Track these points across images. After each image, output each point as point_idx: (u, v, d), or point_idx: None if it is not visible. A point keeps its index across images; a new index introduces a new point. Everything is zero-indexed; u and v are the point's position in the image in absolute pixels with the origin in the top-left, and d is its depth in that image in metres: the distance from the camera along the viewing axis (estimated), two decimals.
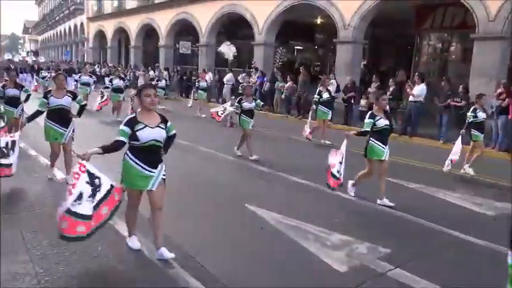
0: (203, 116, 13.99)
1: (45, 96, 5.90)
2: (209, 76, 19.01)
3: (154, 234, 3.90)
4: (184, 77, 21.74)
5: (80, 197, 3.51)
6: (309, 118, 10.54)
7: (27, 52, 63.59)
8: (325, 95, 10.43)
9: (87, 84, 15.81)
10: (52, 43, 56.19)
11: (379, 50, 21.18)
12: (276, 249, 4.30)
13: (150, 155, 3.76)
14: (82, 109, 6.30)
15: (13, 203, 5.19)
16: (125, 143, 3.73)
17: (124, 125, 3.71)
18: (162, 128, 3.80)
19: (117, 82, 13.27)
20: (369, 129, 5.67)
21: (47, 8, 56.75)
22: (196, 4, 22.73)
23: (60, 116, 5.89)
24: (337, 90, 13.35)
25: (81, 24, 40.36)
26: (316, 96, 10.55)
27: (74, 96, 6.11)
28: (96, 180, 3.63)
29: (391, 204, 5.67)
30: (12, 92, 8.00)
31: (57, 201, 5.26)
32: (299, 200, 6.02)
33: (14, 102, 8.05)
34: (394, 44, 20.23)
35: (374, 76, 12.78)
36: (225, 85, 18.33)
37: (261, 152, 8.36)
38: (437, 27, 15.63)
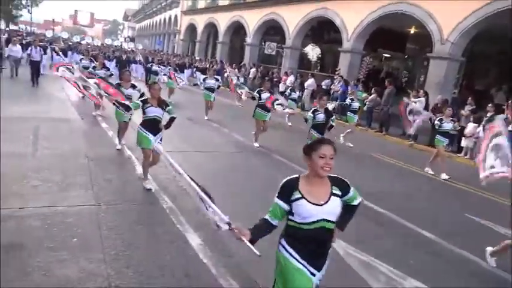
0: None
1: None
2: (290, 80, 18.91)
3: None
4: (266, 78, 21.62)
5: None
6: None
7: (125, 38, 68.36)
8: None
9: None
10: (147, 32, 59.81)
11: (477, 67, 19.53)
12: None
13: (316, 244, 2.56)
14: None
15: (98, 194, 5.50)
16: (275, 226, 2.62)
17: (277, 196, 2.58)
18: (337, 195, 2.57)
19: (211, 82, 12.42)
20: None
21: None
22: (287, 5, 22.69)
23: None
24: (425, 108, 12.54)
25: (175, 16, 42.44)
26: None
27: None
28: None
29: None
30: (126, 92, 7.25)
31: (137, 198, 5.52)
32: (373, 231, 5.66)
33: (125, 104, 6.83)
34: (495, 61, 18.49)
35: (470, 98, 11.73)
36: (306, 90, 18.10)
37: (338, 169, 8.03)
38: None
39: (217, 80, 12.79)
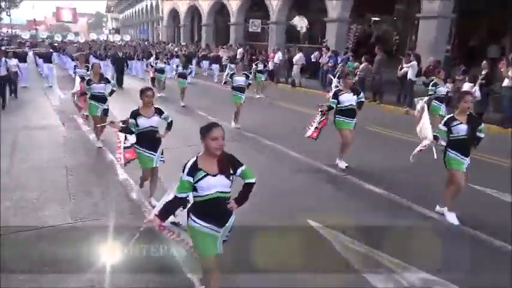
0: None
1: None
2: (278, 56, 18.38)
3: None
4: (253, 57, 20.76)
5: None
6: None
7: (109, 30, 66.92)
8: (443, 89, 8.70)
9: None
10: (130, 21, 58.57)
11: (468, 23, 18.86)
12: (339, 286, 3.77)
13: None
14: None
15: (75, 209, 5.17)
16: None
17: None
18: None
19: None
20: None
21: None
22: None
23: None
24: (418, 73, 12.10)
25: (157, 2, 41.34)
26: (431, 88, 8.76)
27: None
28: None
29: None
30: (148, 123, 5.11)
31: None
32: (372, 218, 5.25)
33: (153, 143, 5.24)
34: (486, 15, 17.80)
35: (458, 61, 11.21)
36: (294, 66, 17.57)
37: (330, 146, 7.57)
38: None
39: (247, 76, 10.11)
